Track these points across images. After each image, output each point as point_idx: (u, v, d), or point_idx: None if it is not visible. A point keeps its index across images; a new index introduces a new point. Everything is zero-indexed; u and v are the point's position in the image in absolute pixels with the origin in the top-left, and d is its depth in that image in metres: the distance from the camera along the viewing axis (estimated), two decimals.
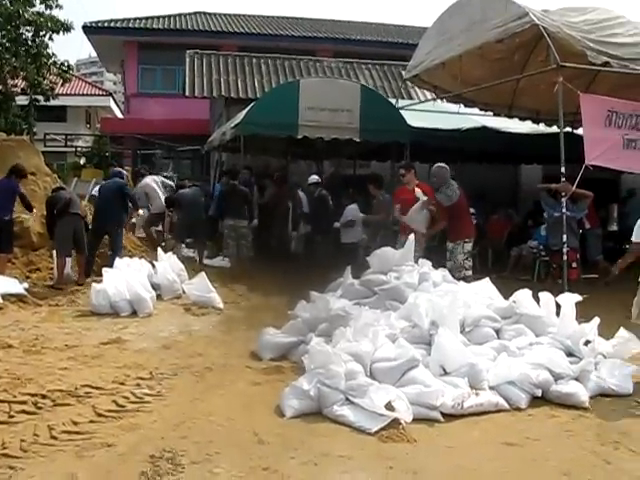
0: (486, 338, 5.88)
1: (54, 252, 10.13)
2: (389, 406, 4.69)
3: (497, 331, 6.01)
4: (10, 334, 7.19)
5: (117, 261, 9.28)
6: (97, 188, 12.29)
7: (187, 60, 19.84)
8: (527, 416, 5.03)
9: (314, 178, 13.51)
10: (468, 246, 8.77)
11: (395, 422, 4.59)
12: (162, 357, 6.46)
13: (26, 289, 9.32)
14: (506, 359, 5.37)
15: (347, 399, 4.83)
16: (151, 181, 13.82)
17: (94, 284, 8.69)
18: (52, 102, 25.20)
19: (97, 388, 5.35)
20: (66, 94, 35.43)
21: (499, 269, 12.41)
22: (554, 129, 14.17)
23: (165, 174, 21.16)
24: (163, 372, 5.90)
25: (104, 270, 8.88)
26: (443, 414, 4.85)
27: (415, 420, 4.74)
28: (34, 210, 10.37)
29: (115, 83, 57.88)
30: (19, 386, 5.34)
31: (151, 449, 4.16)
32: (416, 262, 7.31)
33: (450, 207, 8.95)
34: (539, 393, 5.24)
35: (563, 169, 8.83)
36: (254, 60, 20.08)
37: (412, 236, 7.57)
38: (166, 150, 25.39)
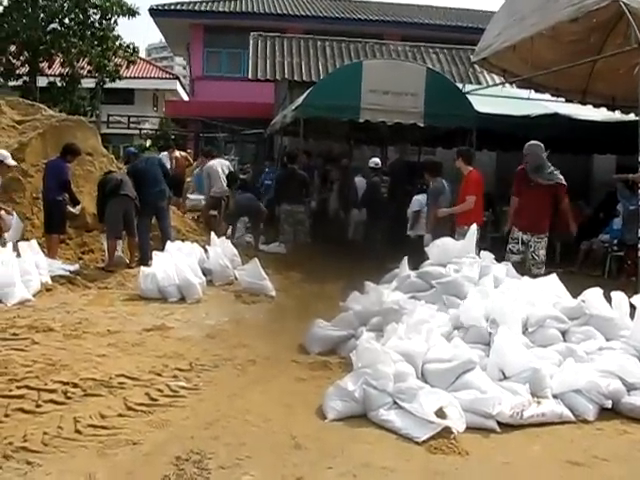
0: (551, 340, 5.36)
1: (104, 234, 9.93)
2: (440, 413, 4.27)
3: (563, 333, 5.48)
4: (55, 316, 7.01)
5: (168, 244, 9.05)
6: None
7: (251, 42, 19.58)
8: (595, 430, 4.52)
9: (374, 161, 13.10)
10: (546, 241, 8.14)
11: (446, 431, 4.18)
12: (205, 347, 6.16)
13: (77, 271, 9.19)
14: (573, 365, 4.86)
15: (395, 403, 4.43)
16: (218, 164, 13.63)
17: (143, 268, 8.47)
18: (119, 85, 25.36)
19: (132, 378, 5.09)
20: (133, 77, 35.81)
21: (567, 264, 11.73)
22: (631, 117, 13.48)
23: (227, 157, 21.06)
24: (204, 363, 5.60)
25: (154, 253, 8.66)
26: (500, 424, 4.40)
27: (468, 429, 4.30)
28: (80, 205, 10.17)
29: (185, 67, 58.28)
30: (52, 372, 5.13)
31: (178, 449, 3.85)
32: (477, 254, 6.84)
33: (549, 195, 8.22)
34: (609, 405, 4.72)
35: None
36: (319, 43, 19.69)
37: (474, 226, 7.08)
38: (230, 133, 25.26)
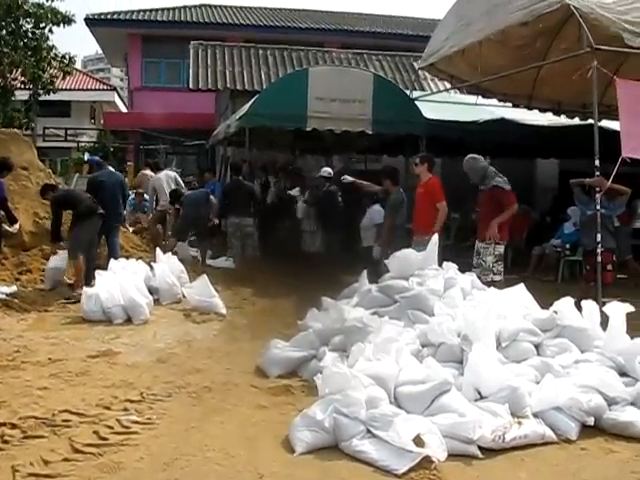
0: (525, 355, 5.11)
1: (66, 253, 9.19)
2: (418, 440, 3.93)
3: (537, 346, 5.24)
4: None
5: (112, 263, 8.56)
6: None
7: (191, 51, 19.17)
8: (580, 450, 4.25)
9: (326, 170, 12.63)
10: (500, 248, 7.90)
11: (426, 460, 3.84)
12: (156, 373, 5.72)
13: (14, 293, 8.62)
14: (552, 381, 4.59)
15: (368, 431, 4.09)
16: (163, 176, 13.14)
17: (85, 288, 7.96)
18: (56, 97, 24.53)
19: (78, 414, 4.61)
20: (69, 89, 34.93)
21: (519, 269, 11.62)
22: (575, 121, 13.52)
23: (172, 169, 20.49)
24: (156, 393, 5.16)
25: (97, 273, 8.17)
26: (481, 448, 4.10)
27: (449, 457, 3.98)
28: (17, 224, 9.61)
29: (122, 79, 57.28)
30: None
31: None
32: (439, 265, 6.56)
33: (490, 201, 8.05)
34: (591, 422, 4.46)
35: (597, 162, 8.03)
36: (260, 51, 19.36)
37: (436, 236, 6.80)
38: (171, 145, 24.70)
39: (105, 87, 39.27)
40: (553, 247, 12.12)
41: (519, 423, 4.29)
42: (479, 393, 4.59)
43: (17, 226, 9.62)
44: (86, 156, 31.13)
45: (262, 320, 7.97)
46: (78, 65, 54.18)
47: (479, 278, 7.04)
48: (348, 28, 26.36)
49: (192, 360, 6.20)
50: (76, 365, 5.88)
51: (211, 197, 11.99)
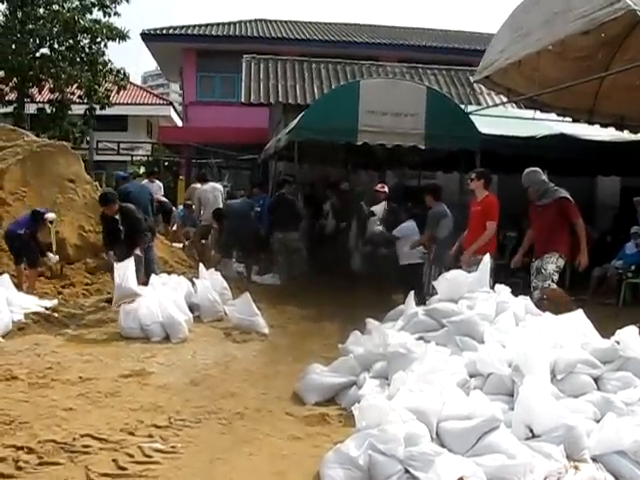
0: (583, 389, 4.65)
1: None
2: None
3: (596, 380, 4.78)
4: (22, 361, 6.33)
5: (152, 278, 8.35)
6: None
7: (244, 65, 19.03)
8: None
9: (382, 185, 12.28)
10: (561, 262, 7.53)
11: None
12: (187, 397, 5.45)
13: (54, 307, 8.50)
14: (614, 420, 4.13)
15: (407, 471, 3.71)
16: (209, 188, 12.94)
17: (124, 305, 7.76)
18: (113, 111, 24.74)
19: (99, 439, 4.37)
20: (126, 103, 35.35)
21: (578, 291, 11.03)
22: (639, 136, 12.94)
23: (221, 183, 20.38)
24: (184, 418, 4.89)
25: (138, 288, 7.97)
26: None
27: None
28: (52, 255, 9.55)
29: (180, 94, 57.95)
30: (6, 434, 4.42)
31: None
32: (492, 287, 6.15)
33: (554, 214, 7.73)
34: None
35: None
36: (313, 65, 19.13)
37: (488, 256, 6.40)
38: (224, 159, 24.65)
39: (161, 102, 39.56)
40: (615, 268, 11.50)
41: (576, 468, 3.86)
42: (531, 431, 4.15)
43: (55, 259, 9.52)
44: (141, 170, 31.52)
45: (304, 341, 7.68)
46: (138, 80, 55.26)
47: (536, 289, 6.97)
48: (403, 42, 26.00)
49: (227, 383, 5.93)
50: (106, 385, 5.66)
51: (256, 209, 11.80)
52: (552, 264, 7.44)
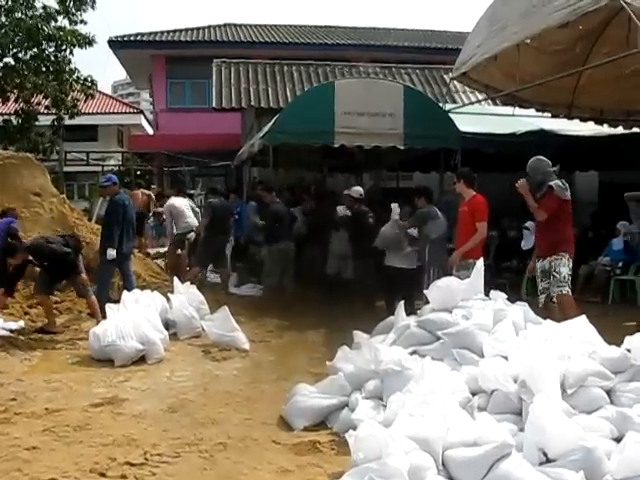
0: (596, 403, 4.27)
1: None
2: None
3: (608, 392, 4.41)
4: None
5: (124, 295, 7.88)
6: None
7: (214, 70, 18.62)
8: None
9: (357, 191, 11.19)
10: (571, 263, 7.16)
11: None
12: (164, 426, 5.00)
13: (20, 329, 8.00)
14: (636, 441, 3.74)
15: None
16: (178, 201, 12.47)
17: (94, 327, 7.29)
18: (82, 121, 24.14)
19: None
20: (96, 113, 34.73)
21: None
22: (619, 130, 12.72)
23: (194, 192, 19.89)
24: (161, 452, 4.44)
25: (107, 307, 7.50)
26: None
27: None
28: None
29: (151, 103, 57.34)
30: None
31: None
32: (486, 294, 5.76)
33: (559, 206, 7.19)
34: None
35: None
36: (285, 68, 18.76)
37: (481, 261, 6.01)
38: (197, 167, 24.18)
39: (131, 110, 38.95)
40: (602, 265, 11.20)
41: None
42: (545, 454, 3.77)
43: None
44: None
45: (288, 356, 7.27)
46: (107, 90, 54.44)
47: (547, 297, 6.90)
48: (375, 43, 25.71)
49: (207, 408, 5.49)
50: (75, 417, 5.20)
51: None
52: (565, 267, 7.03)
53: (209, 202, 11.62)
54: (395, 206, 8.97)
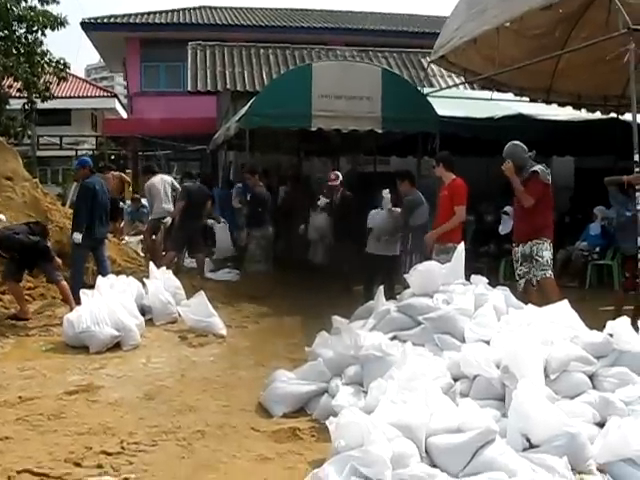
0: (579, 388, 4.23)
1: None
2: None
3: (591, 377, 4.37)
4: None
5: (99, 280, 7.73)
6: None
7: (189, 53, 18.38)
8: None
9: (336, 174, 11.16)
10: (551, 249, 7.10)
11: None
12: (141, 414, 4.90)
13: None
14: (618, 424, 3.71)
15: None
16: (159, 181, 12.10)
17: (68, 313, 7.14)
18: (55, 105, 23.69)
19: (40, 474, 3.81)
20: (69, 97, 34.23)
21: None
22: (597, 115, 12.72)
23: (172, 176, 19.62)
24: (138, 441, 4.34)
25: (82, 293, 7.35)
26: None
27: None
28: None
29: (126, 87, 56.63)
30: None
31: None
32: (467, 279, 5.70)
33: (543, 192, 7.10)
34: None
35: (637, 157, 7.16)
36: (262, 51, 18.56)
37: (462, 245, 5.95)
38: (172, 151, 23.91)
39: (105, 94, 38.44)
40: (579, 250, 11.21)
41: None
42: (528, 440, 3.73)
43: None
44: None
45: (266, 342, 7.19)
46: (81, 74, 53.64)
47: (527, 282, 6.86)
48: (352, 26, 25.52)
49: (185, 395, 5.39)
50: (49, 405, 5.08)
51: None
52: (547, 251, 6.97)
53: (184, 186, 11.42)
54: (386, 192, 8.85)
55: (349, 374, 4.83)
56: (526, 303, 5.53)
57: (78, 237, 8.47)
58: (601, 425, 3.96)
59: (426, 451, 3.60)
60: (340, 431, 3.58)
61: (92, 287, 7.60)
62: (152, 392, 5.44)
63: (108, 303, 7.06)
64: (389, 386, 4.00)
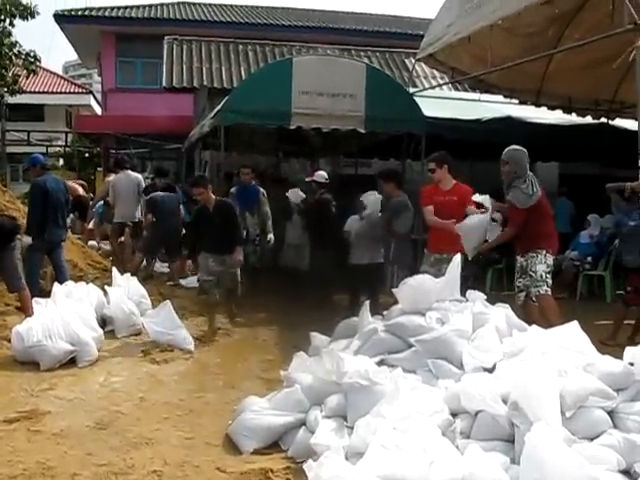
0: (598, 427, 3.64)
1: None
2: None
3: (610, 413, 3.78)
4: None
5: (55, 288, 7.03)
6: None
7: (165, 47, 17.75)
8: None
9: (322, 175, 10.31)
10: (550, 260, 6.53)
11: None
12: (89, 449, 4.22)
13: None
14: None
15: None
16: (124, 177, 11.03)
17: (18, 325, 6.43)
18: (27, 100, 22.92)
19: None
20: (43, 92, 33.39)
21: None
22: (587, 120, 12.29)
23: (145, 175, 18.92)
24: None
25: (34, 301, 6.65)
26: None
27: None
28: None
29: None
30: None
31: None
32: (462, 294, 5.09)
33: (528, 209, 6.59)
34: None
35: None
36: (240, 47, 17.97)
37: (458, 256, 5.34)
38: (147, 150, 23.18)
39: (80, 90, 37.59)
40: (570, 260, 10.67)
41: None
42: None
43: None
44: (60, 162, 29.56)
45: (237, 359, 6.52)
46: (59, 70, 52.56)
47: (527, 296, 6.40)
48: (334, 26, 24.95)
49: (142, 423, 4.71)
50: None
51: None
52: (541, 264, 6.43)
53: (149, 199, 10.57)
54: (368, 195, 8.27)
55: (330, 405, 4.17)
56: (525, 319, 5.02)
57: (28, 240, 7.77)
58: (627, 473, 3.38)
59: None
60: None
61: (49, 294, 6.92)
62: (105, 420, 4.76)
63: (63, 314, 6.36)
64: (379, 426, 3.37)
